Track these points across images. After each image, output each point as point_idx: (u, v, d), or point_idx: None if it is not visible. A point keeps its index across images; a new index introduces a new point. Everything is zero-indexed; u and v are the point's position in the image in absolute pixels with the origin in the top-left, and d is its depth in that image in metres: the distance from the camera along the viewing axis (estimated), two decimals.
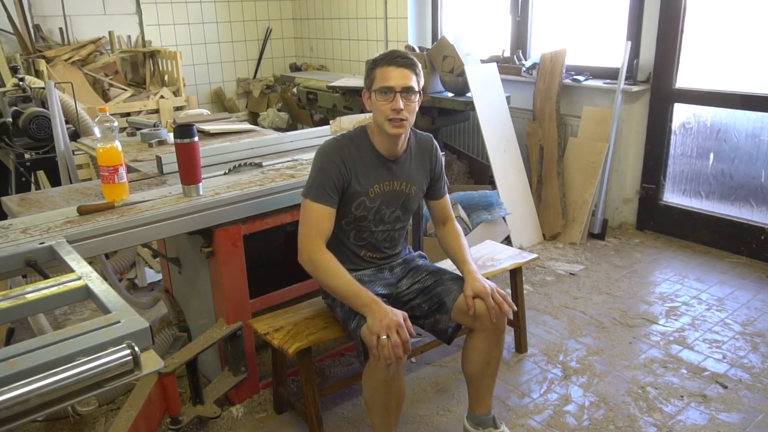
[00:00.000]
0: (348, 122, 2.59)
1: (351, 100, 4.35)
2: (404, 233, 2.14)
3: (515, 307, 1.86)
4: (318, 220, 1.86)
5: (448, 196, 2.18)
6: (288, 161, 2.49)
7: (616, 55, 3.69)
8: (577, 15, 4.04)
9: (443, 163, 2.13)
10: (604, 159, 3.67)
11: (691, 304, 2.99)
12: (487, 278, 2.66)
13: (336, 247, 2.00)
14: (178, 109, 4.73)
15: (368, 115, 2.59)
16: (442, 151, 2.41)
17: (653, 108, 3.70)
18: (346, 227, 1.99)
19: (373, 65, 1.86)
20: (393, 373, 1.74)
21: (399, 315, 1.73)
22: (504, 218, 3.55)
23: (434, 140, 2.10)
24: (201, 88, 5.90)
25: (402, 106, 1.81)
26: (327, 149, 1.92)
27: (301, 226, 1.88)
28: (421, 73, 1.88)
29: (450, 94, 4.01)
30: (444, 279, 2.02)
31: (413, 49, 4.36)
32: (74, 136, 3.10)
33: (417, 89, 1.85)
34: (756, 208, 3.44)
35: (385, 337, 1.68)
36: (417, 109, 1.89)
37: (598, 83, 3.76)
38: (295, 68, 6.11)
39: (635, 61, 3.66)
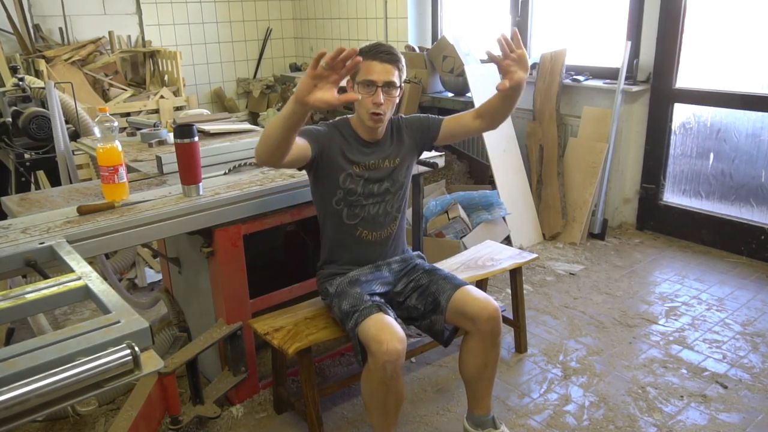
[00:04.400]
0: None
1: None
2: (398, 206, 2.09)
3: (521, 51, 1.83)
4: None
5: (446, 117, 2.12)
6: None
7: (616, 55, 3.69)
8: (577, 15, 4.04)
9: (412, 116, 2.14)
10: (604, 159, 3.67)
11: (691, 304, 2.99)
12: (487, 278, 2.68)
13: (333, 235, 2.04)
14: (178, 109, 4.73)
15: None
16: (441, 151, 2.41)
17: (653, 108, 3.70)
18: (337, 206, 2.01)
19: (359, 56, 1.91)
20: (391, 374, 1.73)
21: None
22: (504, 218, 3.55)
23: (398, 116, 2.14)
24: (201, 88, 5.90)
25: (382, 101, 1.89)
26: (318, 125, 2.01)
27: None
28: (404, 68, 1.96)
29: (450, 94, 4.01)
30: (438, 278, 2.02)
31: (413, 49, 4.36)
32: (74, 136, 3.10)
33: (398, 84, 1.93)
34: (756, 208, 3.44)
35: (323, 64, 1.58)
36: (397, 102, 1.97)
37: (598, 83, 3.76)
38: (295, 68, 6.12)
39: (635, 61, 3.66)
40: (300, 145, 1.86)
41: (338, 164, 1.97)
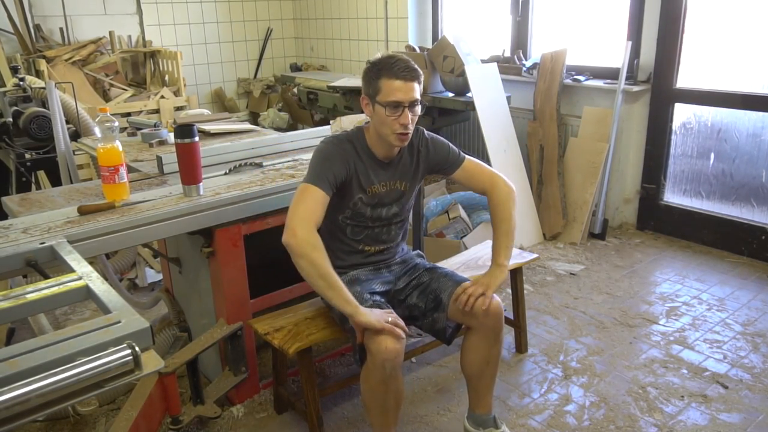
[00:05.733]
0: (348, 122, 2.59)
1: (351, 100, 4.35)
2: (403, 226, 2.11)
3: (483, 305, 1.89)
4: (314, 205, 1.79)
5: (471, 160, 2.06)
6: (288, 161, 2.49)
7: (617, 55, 3.69)
8: (577, 15, 4.04)
9: (438, 141, 2.05)
10: (604, 159, 3.67)
11: (691, 304, 2.98)
12: None
13: (335, 242, 2.01)
14: (179, 109, 4.74)
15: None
16: None
17: (654, 108, 3.70)
18: (343, 223, 1.99)
19: (378, 74, 1.81)
20: (390, 372, 1.74)
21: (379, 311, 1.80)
22: None
23: (420, 130, 2.04)
24: (201, 88, 5.90)
25: (410, 121, 1.82)
26: (329, 144, 1.91)
27: (296, 206, 1.80)
28: (422, 78, 1.88)
29: (450, 94, 4.01)
30: (439, 276, 2.02)
31: (413, 49, 4.36)
32: (75, 136, 3.10)
33: (420, 98, 1.85)
34: (757, 208, 3.43)
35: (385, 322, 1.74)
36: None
37: (598, 83, 3.76)
38: (295, 68, 6.12)
39: (636, 61, 3.66)
40: (322, 205, 1.81)
41: (352, 191, 1.92)
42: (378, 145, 1.92)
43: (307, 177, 1.86)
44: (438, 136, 2.06)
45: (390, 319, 1.75)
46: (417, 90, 1.83)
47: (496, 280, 1.93)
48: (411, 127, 1.85)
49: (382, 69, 1.81)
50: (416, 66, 1.84)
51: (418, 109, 1.85)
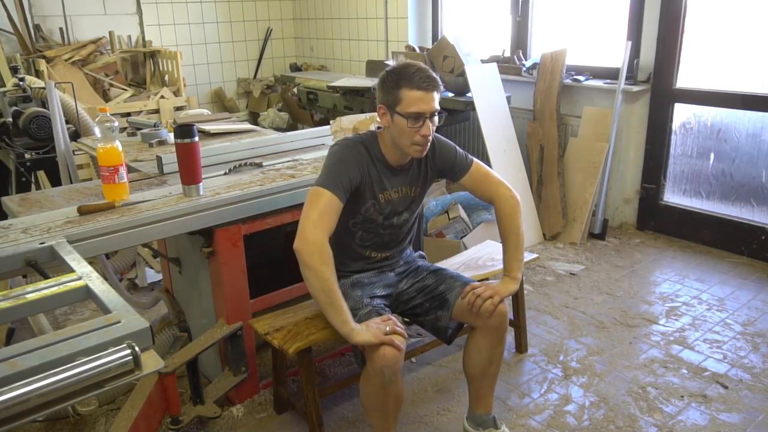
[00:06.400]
0: (348, 122, 2.59)
1: (351, 100, 4.35)
2: (411, 233, 2.11)
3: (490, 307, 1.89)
4: (328, 212, 1.75)
5: (478, 165, 2.01)
6: (288, 161, 2.49)
7: (617, 55, 3.69)
8: (577, 15, 4.04)
9: (445, 144, 2.00)
10: (604, 159, 3.67)
11: (691, 304, 2.98)
12: (487, 278, 2.67)
13: (341, 247, 1.98)
14: (179, 109, 4.74)
15: (369, 116, 2.58)
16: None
17: (653, 108, 3.70)
18: (354, 228, 1.96)
19: (397, 84, 1.77)
20: (389, 378, 1.73)
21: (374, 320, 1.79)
22: None
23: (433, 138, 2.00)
24: (201, 88, 5.91)
25: (431, 131, 1.80)
26: (344, 147, 1.87)
27: (309, 211, 1.75)
28: (442, 88, 1.86)
29: (450, 94, 4.01)
30: (445, 277, 2.02)
31: (413, 49, 4.36)
32: (74, 136, 3.10)
33: (440, 108, 1.83)
34: (756, 208, 3.43)
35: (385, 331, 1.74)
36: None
37: (598, 83, 3.76)
38: (295, 68, 6.12)
39: (635, 61, 3.66)
40: (336, 212, 1.77)
41: (364, 197, 1.89)
42: (391, 153, 1.89)
43: (320, 180, 1.81)
44: (444, 139, 2.03)
45: (388, 328, 1.73)
46: (437, 100, 1.79)
47: (507, 290, 1.94)
48: (431, 138, 1.82)
49: (401, 79, 1.76)
50: (434, 74, 1.80)
51: (437, 119, 1.82)
